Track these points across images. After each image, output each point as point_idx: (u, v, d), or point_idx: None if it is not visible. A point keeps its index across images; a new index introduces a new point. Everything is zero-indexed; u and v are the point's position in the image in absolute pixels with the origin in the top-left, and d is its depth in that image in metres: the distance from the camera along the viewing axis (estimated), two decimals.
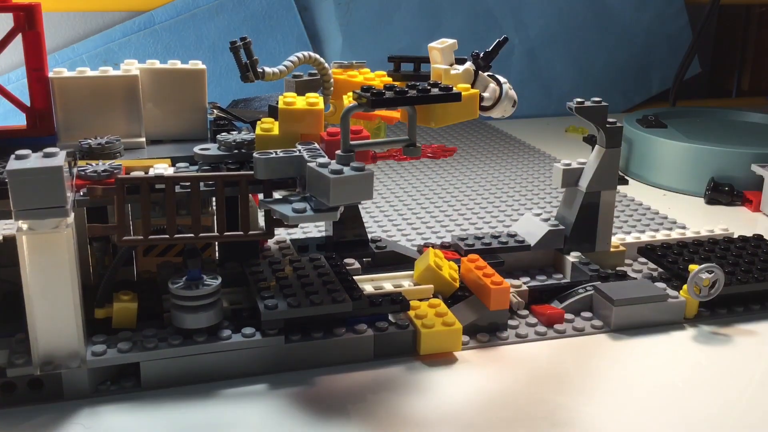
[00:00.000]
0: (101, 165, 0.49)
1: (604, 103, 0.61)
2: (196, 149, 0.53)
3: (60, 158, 0.44)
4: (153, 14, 1.12)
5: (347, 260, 0.60)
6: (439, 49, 0.54)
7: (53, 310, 0.45)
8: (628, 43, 1.38)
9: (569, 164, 0.64)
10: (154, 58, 0.58)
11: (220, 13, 1.15)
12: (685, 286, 0.57)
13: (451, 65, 0.54)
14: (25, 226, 0.44)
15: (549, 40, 1.33)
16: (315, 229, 0.75)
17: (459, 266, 0.58)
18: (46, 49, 0.55)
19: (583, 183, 0.63)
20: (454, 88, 0.49)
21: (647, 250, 0.63)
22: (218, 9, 1.15)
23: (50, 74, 0.55)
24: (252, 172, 0.48)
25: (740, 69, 1.55)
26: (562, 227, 0.64)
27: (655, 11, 1.38)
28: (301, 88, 0.58)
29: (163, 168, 0.51)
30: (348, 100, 0.55)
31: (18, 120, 0.58)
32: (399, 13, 1.24)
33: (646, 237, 0.68)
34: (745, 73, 1.55)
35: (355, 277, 0.55)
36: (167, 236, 0.48)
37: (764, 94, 1.50)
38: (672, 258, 0.61)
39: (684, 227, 0.77)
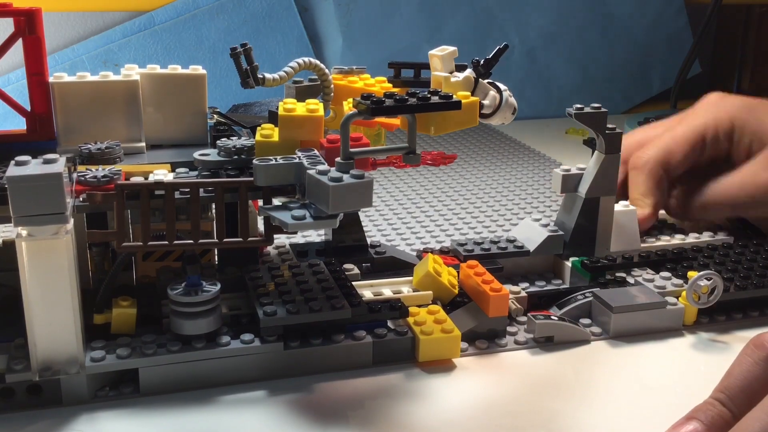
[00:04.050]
0: (101, 171, 0.49)
1: (603, 109, 0.61)
2: (196, 155, 0.53)
3: (60, 165, 0.44)
4: (153, 15, 1.12)
5: (346, 266, 0.60)
6: (440, 57, 0.54)
7: (52, 316, 0.45)
8: (628, 43, 1.38)
9: (569, 170, 0.64)
10: (154, 59, 0.59)
11: (220, 14, 1.15)
12: (683, 293, 0.57)
13: (451, 73, 0.54)
14: (24, 233, 0.44)
15: (549, 40, 1.33)
16: (314, 234, 0.75)
17: (458, 272, 0.58)
18: (46, 49, 0.55)
19: (583, 189, 0.63)
20: (454, 96, 0.49)
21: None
22: (218, 10, 1.15)
23: (50, 79, 0.55)
24: (251, 179, 0.48)
25: (740, 69, 1.55)
26: (561, 233, 0.64)
27: (655, 11, 1.38)
28: (301, 94, 0.58)
29: (162, 174, 0.51)
30: (348, 106, 0.55)
31: (17, 122, 0.58)
32: (399, 13, 1.24)
33: (645, 243, 0.67)
34: (746, 73, 1.55)
35: (354, 283, 0.55)
36: (167, 242, 0.48)
37: (764, 94, 1.50)
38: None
39: (684, 232, 0.77)
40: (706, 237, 0.69)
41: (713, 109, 0.72)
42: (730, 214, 0.72)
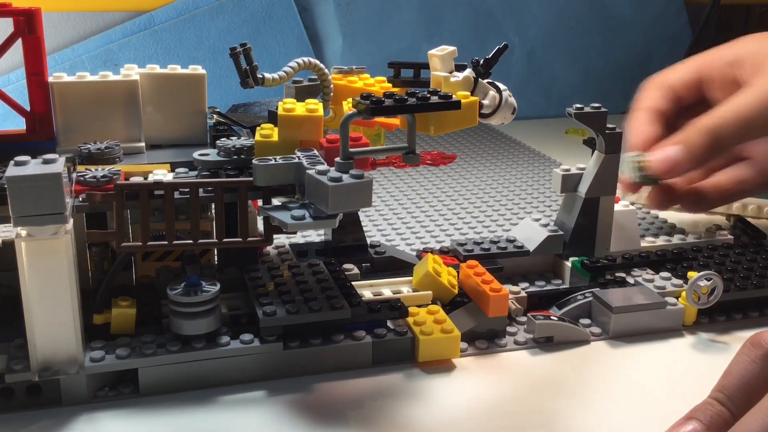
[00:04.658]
0: (100, 171, 0.49)
1: (603, 109, 0.61)
2: (196, 155, 0.53)
3: (59, 165, 0.44)
4: (153, 15, 1.12)
5: (346, 266, 0.60)
6: (439, 57, 0.54)
7: (52, 316, 0.45)
8: (628, 43, 1.38)
9: (568, 170, 0.64)
10: (154, 59, 0.59)
11: (220, 14, 1.15)
12: (683, 293, 0.57)
13: (450, 72, 0.54)
14: (24, 233, 0.44)
15: (549, 41, 1.33)
16: (314, 234, 0.75)
17: (458, 272, 0.58)
18: (46, 49, 0.55)
19: (583, 188, 0.63)
20: (453, 96, 0.49)
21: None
22: (218, 10, 1.15)
23: (50, 79, 0.55)
24: (251, 179, 0.48)
25: None
26: (561, 232, 0.64)
27: (655, 11, 1.38)
28: (301, 94, 0.58)
29: (162, 174, 0.51)
30: (348, 105, 0.55)
31: (17, 122, 0.58)
32: (399, 13, 1.24)
33: (645, 243, 0.68)
34: None
35: (353, 283, 0.55)
36: (166, 242, 0.48)
37: None
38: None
39: (684, 232, 0.77)
40: (705, 237, 0.69)
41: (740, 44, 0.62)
42: (741, 140, 0.57)
